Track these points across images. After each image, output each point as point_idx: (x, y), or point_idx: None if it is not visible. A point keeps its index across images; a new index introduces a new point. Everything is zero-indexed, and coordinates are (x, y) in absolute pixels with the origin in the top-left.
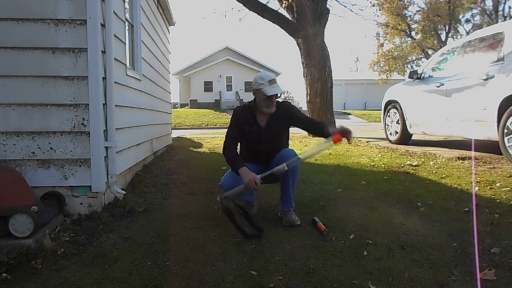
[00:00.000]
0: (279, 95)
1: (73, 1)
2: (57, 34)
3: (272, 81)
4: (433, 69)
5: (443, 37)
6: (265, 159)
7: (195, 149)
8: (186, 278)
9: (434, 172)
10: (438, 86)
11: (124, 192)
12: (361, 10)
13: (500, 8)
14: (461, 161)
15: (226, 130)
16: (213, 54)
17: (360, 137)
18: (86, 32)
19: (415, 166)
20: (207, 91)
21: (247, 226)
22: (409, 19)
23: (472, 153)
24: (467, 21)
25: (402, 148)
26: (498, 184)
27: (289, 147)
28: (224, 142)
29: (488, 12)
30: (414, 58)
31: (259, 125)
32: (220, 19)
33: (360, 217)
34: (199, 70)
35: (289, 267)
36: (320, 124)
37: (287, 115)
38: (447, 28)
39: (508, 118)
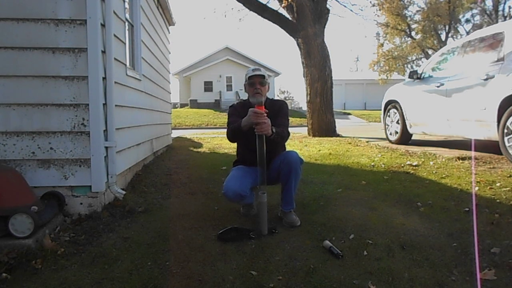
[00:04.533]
0: (265, 86)
1: (73, 1)
2: (57, 34)
3: (255, 69)
4: (433, 69)
5: (443, 37)
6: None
7: (195, 149)
8: (186, 278)
9: (434, 172)
10: (438, 86)
11: (124, 192)
12: (361, 10)
13: (500, 8)
14: (461, 161)
15: (226, 130)
16: (213, 54)
17: (360, 137)
18: (86, 32)
19: (415, 166)
20: (207, 91)
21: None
22: (409, 19)
23: (472, 153)
24: (467, 21)
25: (402, 148)
26: (498, 184)
27: (289, 148)
28: (227, 130)
29: (488, 12)
30: (414, 58)
31: None
32: (220, 19)
33: (360, 217)
34: (199, 70)
35: (289, 267)
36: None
37: (276, 112)
38: (447, 28)
39: (508, 118)
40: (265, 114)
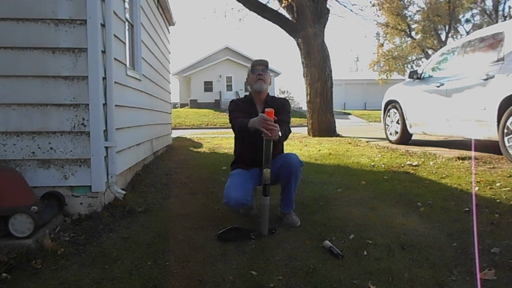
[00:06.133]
0: (267, 75)
1: (73, 1)
2: (57, 34)
3: (259, 59)
4: (433, 69)
5: (443, 37)
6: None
7: (195, 149)
8: (186, 278)
9: (434, 172)
10: (438, 86)
11: (124, 192)
12: (361, 10)
13: (500, 8)
14: (461, 161)
15: (226, 130)
16: (213, 54)
17: (360, 137)
18: (86, 32)
19: (415, 166)
20: (207, 91)
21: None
22: (409, 19)
23: (472, 153)
24: (467, 21)
25: (402, 148)
26: (498, 184)
27: (289, 148)
28: (232, 123)
29: (488, 12)
30: (414, 58)
31: (258, 113)
32: (220, 19)
33: (360, 217)
34: (199, 70)
35: (289, 267)
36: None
37: (278, 109)
38: (447, 28)
39: (508, 118)
40: (274, 122)
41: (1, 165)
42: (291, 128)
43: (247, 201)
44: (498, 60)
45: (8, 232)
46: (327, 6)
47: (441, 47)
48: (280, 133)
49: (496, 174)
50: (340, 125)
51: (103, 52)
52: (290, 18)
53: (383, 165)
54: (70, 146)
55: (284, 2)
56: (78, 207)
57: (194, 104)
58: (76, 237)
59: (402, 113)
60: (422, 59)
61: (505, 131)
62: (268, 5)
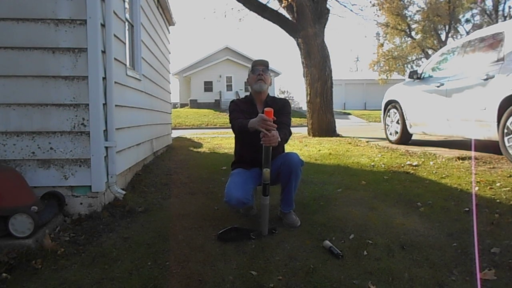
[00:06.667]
0: (268, 75)
1: (73, 1)
2: (57, 34)
3: (260, 59)
4: (433, 69)
5: (443, 37)
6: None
7: (195, 149)
8: (186, 278)
9: (434, 172)
10: (438, 86)
11: (124, 192)
12: (361, 10)
13: (500, 8)
14: (461, 161)
15: (226, 130)
16: (213, 54)
17: (360, 137)
18: (86, 32)
19: (415, 166)
20: (207, 91)
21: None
22: (409, 19)
23: (472, 153)
24: (467, 21)
25: (402, 148)
26: (498, 184)
27: (289, 148)
28: (232, 123)
29: (488, 12)
30: (414, 58)
31: (258, 113)
32: (220, 19)
33: (360, 217)
34: (199, 70)
35: (289, 267)
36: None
37: (278, 110)
38: (447, 28)
39: (508, 118)
40: (274, 123)
41: (1, 165)
42: (292, 129)
43: (248, 200)
44: (498, 60)
45: (8, 232)
46: (327, 6)
47: (441, 47)
48: (279, 138)
49: (496, 174)
50: (340, 125)
51: (103, 52)
52: (290, 18)
53: (383, 165)
54: (70, 146)
55: (284, 2)
56: (78, 207)
57: (194, 104)
58: (76, 237)
59: (402, 113)
60: (422, 59)
61: (505, 131)
62: (268, 5)
